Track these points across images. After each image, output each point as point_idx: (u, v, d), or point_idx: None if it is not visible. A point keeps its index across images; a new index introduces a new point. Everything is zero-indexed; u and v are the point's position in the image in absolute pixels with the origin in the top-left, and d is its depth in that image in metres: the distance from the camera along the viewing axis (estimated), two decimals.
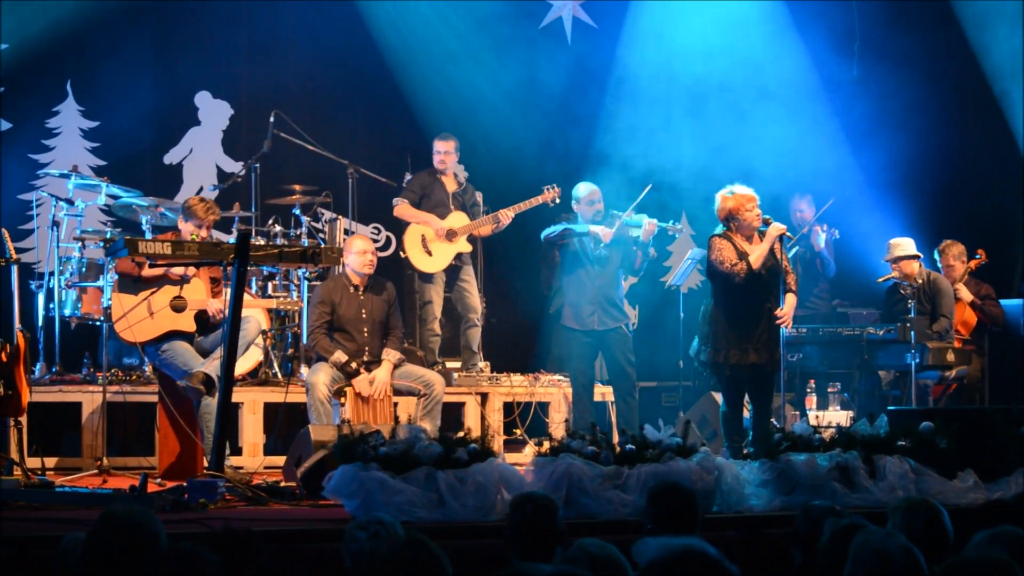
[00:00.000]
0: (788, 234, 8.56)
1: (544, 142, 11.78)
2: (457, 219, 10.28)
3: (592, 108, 12.15)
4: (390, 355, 8.75)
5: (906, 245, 10.18)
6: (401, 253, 10.37)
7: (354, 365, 8.58)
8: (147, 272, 8.16)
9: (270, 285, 9.94)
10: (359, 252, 8.81)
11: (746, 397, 8.59)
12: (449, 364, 10.35)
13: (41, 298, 9.55)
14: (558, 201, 10.13)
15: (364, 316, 8.83)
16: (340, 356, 8.59)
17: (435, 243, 10.19)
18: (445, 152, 10.36)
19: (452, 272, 10.34)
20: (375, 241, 11.73)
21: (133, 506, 3.88)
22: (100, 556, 3.66)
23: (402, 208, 10.25)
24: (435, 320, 10.30)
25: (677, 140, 11.82)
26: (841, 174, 11.81)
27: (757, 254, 8.30)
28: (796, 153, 11.56)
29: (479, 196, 10.65)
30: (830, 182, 11.50)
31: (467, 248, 10.31)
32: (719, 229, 8.49)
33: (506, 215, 10.19)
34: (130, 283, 8.19)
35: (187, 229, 8.35)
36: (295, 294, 9.98)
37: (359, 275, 8.84)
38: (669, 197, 11.64)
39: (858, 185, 11.87)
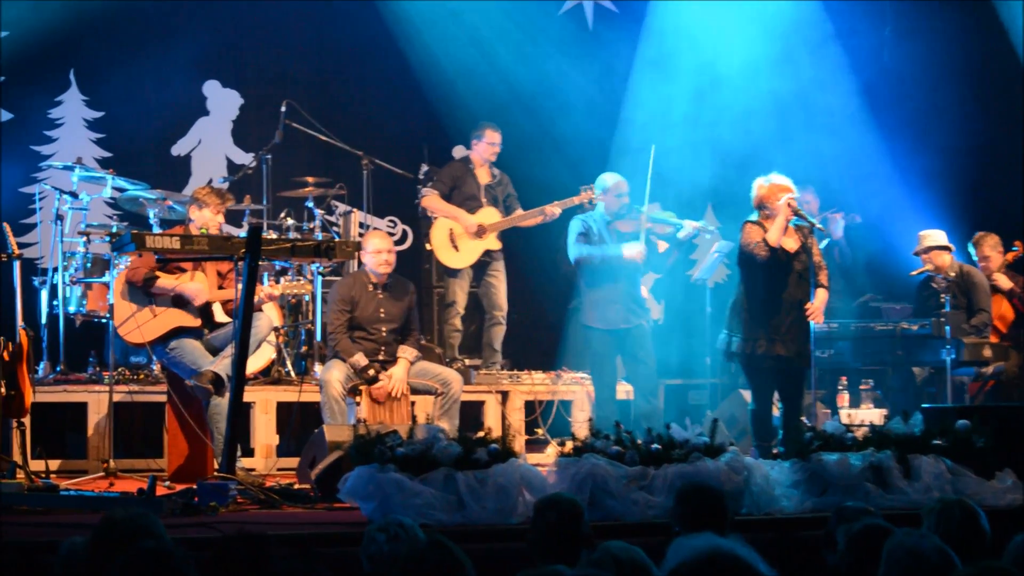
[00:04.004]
0: (820, 226, 8.69)
1: (563, 130, 11.68)
2: (488, 215, 10.03)
3: (615, 96, 12.03)
4: (407, 352, 8.70)
5: (936, 236, 10.11)
6: (427, 245, 10.28)
7: (371, 372, 8.54)
8: (156, 287, 8.15)
9: (283, 280, 9.81)
10: (374, 251, 8.75)
11: (776, 395, 8.60)
12: (468, 362, 10.24)
13: (45, 295, 9.52)
14: (594, 203, 9.80)
15: (383, 315, 8.77)
16: (360, 359, 8.55)
17: (463, 238, 9.96)
18: (499, 143, 10.12)
19: (480, 266, 10.15)
20: (391, 235, 11.53)
21: (134, 510, 3.89)
22: (103, 561, 3.60)
23: (431, 199, 10.01)
24: (457, 316, 10.17)
25: (699, 129, 11.63)
26: (874, 166, 11.74)
27: (773, 228, 8.30)
28: (825, 143, 11.42)
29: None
30: (862, 174, 11.45)
31: (496, 246, 10.10)
32: (753, 216, 8.51)
33: (552, 210, 9.92)
34: (139, 293, 8.18)
35: (202, 218, 8.32)
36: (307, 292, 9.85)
37: (376, 274, 8.75)
38: (693, 189, 11.51)
39: (890, 176, 11.79)
